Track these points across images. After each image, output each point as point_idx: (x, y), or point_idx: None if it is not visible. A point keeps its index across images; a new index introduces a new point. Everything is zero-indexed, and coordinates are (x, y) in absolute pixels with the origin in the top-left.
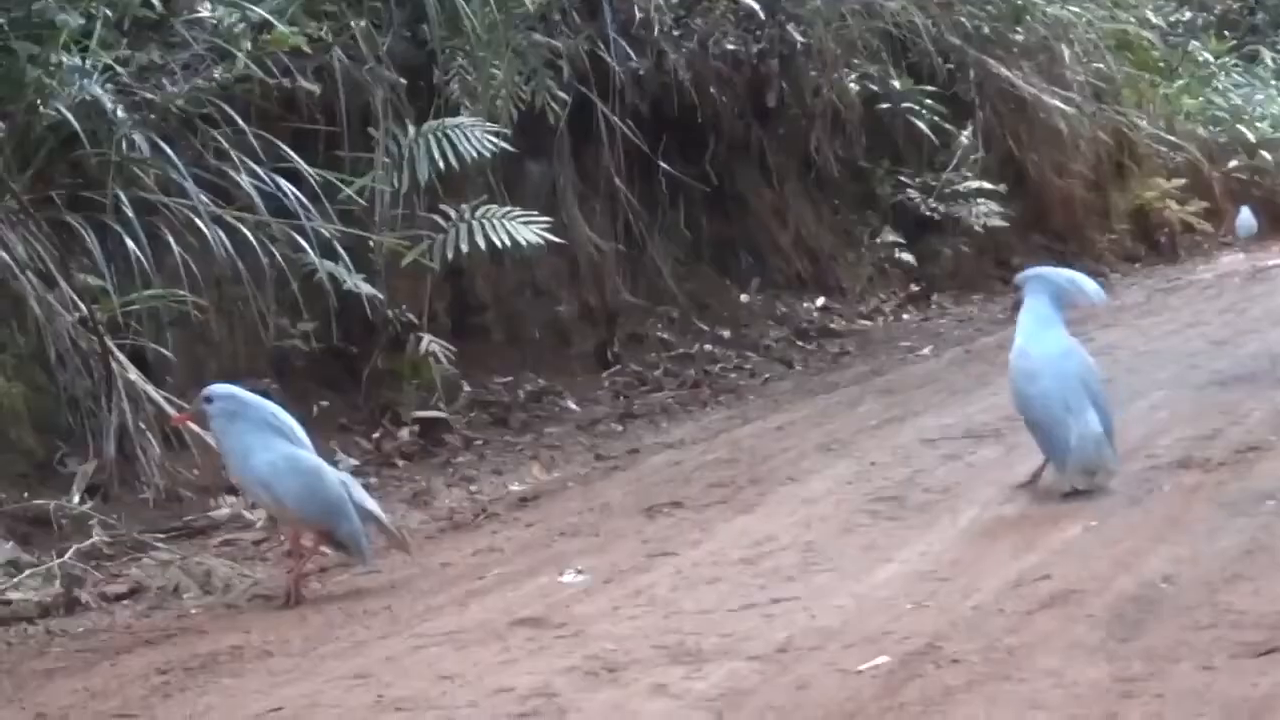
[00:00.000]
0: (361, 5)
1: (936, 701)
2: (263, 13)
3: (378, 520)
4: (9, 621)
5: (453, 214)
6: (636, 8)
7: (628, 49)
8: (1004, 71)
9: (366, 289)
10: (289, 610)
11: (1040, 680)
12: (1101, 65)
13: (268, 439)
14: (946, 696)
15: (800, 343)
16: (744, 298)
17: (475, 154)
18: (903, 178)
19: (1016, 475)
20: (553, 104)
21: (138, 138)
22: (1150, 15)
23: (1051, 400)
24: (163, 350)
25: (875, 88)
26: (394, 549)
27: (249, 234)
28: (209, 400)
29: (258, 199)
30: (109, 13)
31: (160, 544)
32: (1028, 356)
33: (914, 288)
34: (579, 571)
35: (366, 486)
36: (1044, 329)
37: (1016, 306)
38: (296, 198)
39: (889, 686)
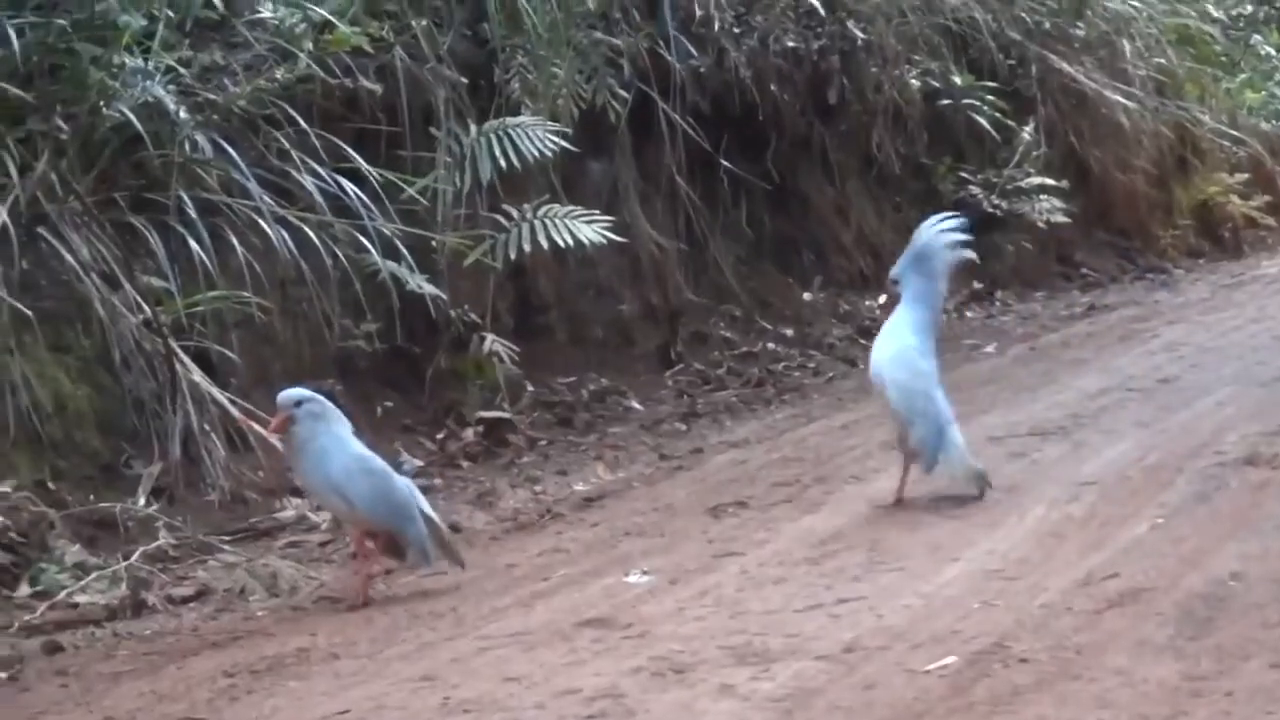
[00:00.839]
0: (422, 4)
1: (1005, 701)
2: (324, 13)
3: (434, 526)
4: (76, 624)
5: (515, 213)
6: (697, 5)
7: (688, 46)
8: (1065, 67)
9: (429, 289)
10: (355, 612)
11: (1109, 679)
12: (1163, 60)
13: (343, 441)
14: (1015, 696)
15: (863, 341)
16: (806, 296)
17: (537, 153)
18: (964, 174)
19: (1084, 473)
20: (613, 102)
21: (200, 138)
22: (1211, 9)
23: (940, 408)
24: (227, 352)
25: (936, 84)
26: (447, 559)
27: (312, 234)
28: (299, 404)
29: (320, 199)
30: (171, 14)
31: (226, 546)
32: (927, 357)
33: (977, 285)
34: (644, 572)
35: (427, 489)
36: (928, 338)
37: (895, 301)
38: (359, 198)
39: (957, 686)
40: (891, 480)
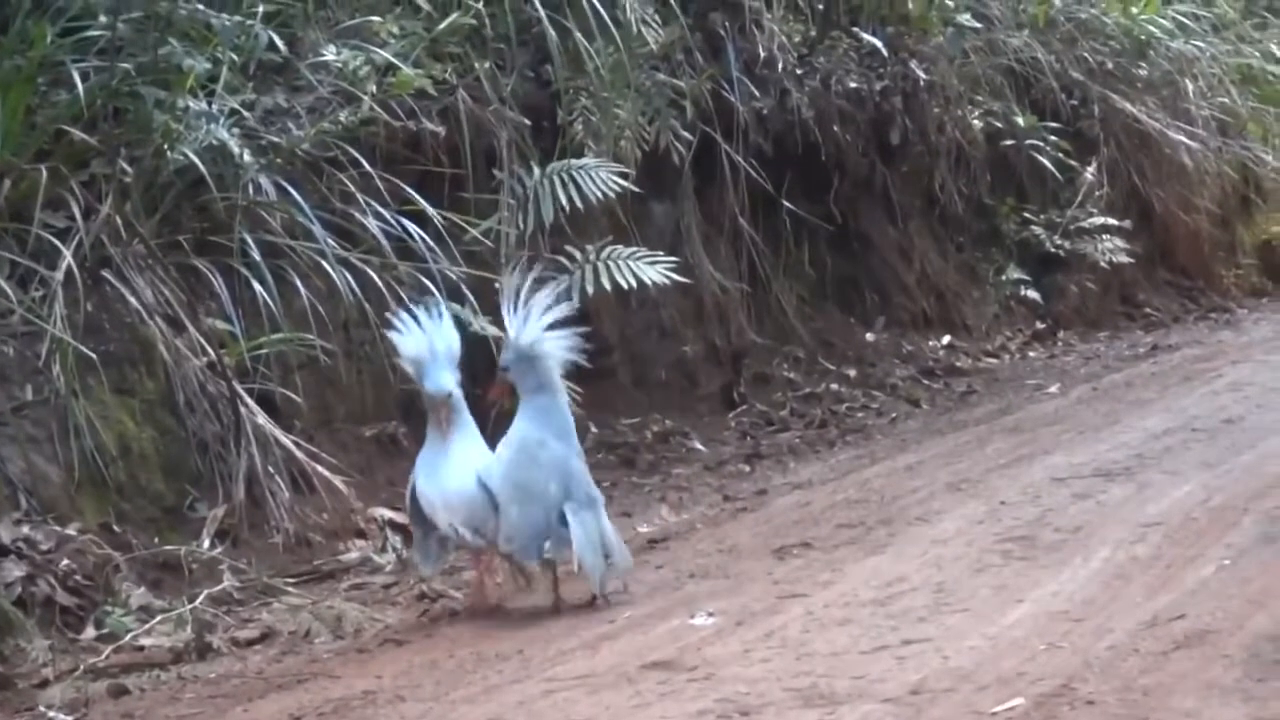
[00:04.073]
0: (485, 47)
1: None
2: (387, 56)
3: None
4: (142, 667)
5: (578, 255)
6: (760, 47)
7: (751, 88)
8: (1128, 107)
9: (493, 330)
10: (420, 655)
11: None
12: (1226, 99)
13: None
14: None
15: (926, 381)
16: (869, 336)
17: (600, 195)
18: (1027, 214)
19: (1149, 514)
20: (676, 144)
21: (264, 181)
22: (1275, 49)
23: None
24: (291, 394)
25: (999, 124)
26: None
27: (375, 276)
28: None
29: (384, 241)
30: (234, 57)
31: (290, 588)
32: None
33: (1040, 325)
34: (709, 614)
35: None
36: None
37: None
38: (422, 240)
39: None
40: (955, 521)
